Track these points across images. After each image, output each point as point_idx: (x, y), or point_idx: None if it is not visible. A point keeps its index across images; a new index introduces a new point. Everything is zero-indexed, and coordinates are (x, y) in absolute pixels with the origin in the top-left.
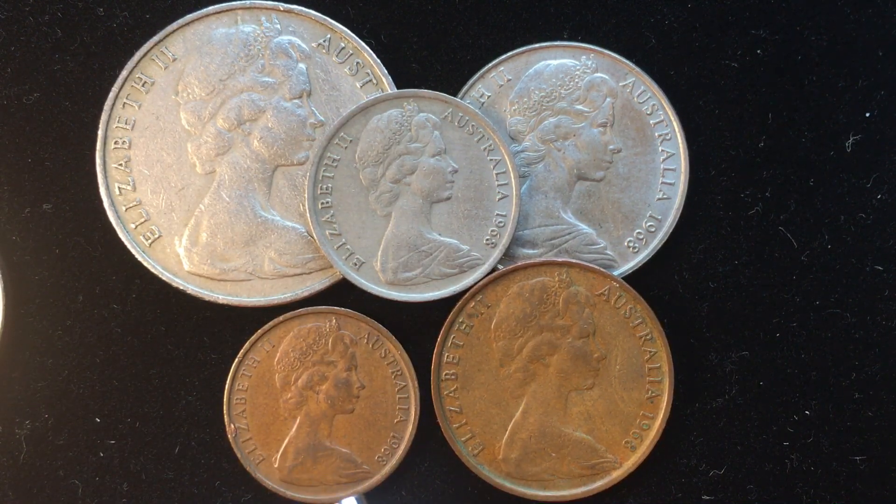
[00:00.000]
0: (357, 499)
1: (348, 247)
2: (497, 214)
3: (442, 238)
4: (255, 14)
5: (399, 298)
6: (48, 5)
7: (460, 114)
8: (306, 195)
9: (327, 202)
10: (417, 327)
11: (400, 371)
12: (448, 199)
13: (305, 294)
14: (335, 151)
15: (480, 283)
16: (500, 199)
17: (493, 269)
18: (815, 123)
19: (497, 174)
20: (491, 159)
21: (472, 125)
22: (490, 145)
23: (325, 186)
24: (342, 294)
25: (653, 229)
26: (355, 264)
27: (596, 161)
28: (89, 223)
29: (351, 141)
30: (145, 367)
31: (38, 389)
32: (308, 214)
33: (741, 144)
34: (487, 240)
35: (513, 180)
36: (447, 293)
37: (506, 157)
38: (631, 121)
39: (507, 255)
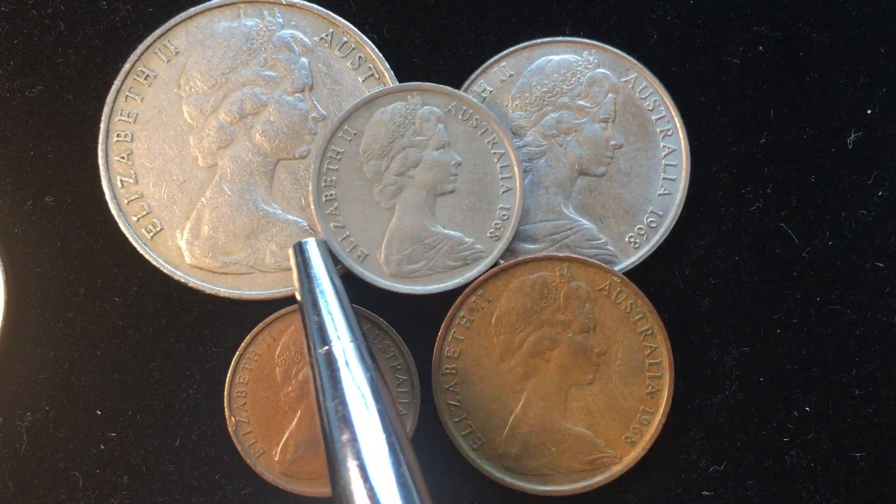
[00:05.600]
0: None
1: (352, 239)
2: (501, 207)
3: (446, 231)
4: (257, 8)
5: (403, 291)
6: None
7: (464, 107)
8: (310, 187)
9: (331, 194)
10: (418, 322)
11: (400, 365)
12: (452, 192)
13: None
14: (339, 144)
15: (481, 277)
16: (503, 193)
17: (497, 262)
18: (817, 120)
19: (501, 167)
20: (494, 152)
21: (476, 118)
22: (494, 139)
23: (329, 179)
24: None
25: (654, 225)
26: (359, 256)
27: (597, 156)
28: (91, 216)
29: (355, 134)
30: (146, 359)
31: (39, 381)
32: (312, 206)
33: (742, 141)
34: (491, 233)
35: (516, 173)
36: (451, 286)
37: (509, 151)
38: (632, 116)
39: (509, 250)
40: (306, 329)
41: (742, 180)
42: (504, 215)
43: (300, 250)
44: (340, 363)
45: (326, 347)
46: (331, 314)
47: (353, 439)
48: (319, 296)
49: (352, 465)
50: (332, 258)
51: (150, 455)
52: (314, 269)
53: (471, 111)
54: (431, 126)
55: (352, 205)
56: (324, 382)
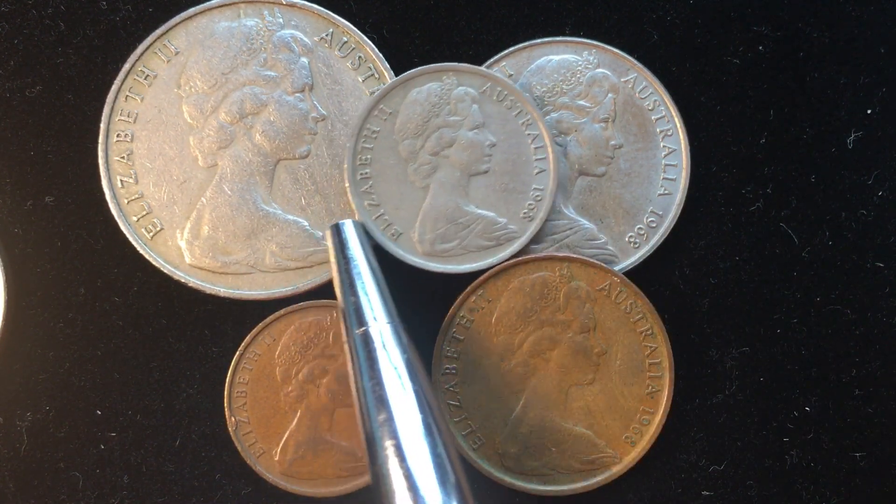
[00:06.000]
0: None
1: (386, 217)
2: (534, 188)
3: (479, 211)
4: (257, 8)
5: (436, 269)
6: None
7: (499, 88)
8: (345, 165)
9: (366, 173)
10: (418, 321)
11: None
12: (486, 172)
13: (307, 287)
14: (375, 123)
15: (481, 277)
16: (537, 173)
17: (529, 243)
18: (817, 120)
19: (535, 148)
20: (528, 133)
21: (511, 100)
22: (528, 120)
23: (364, 157)
24: None
25: (654, 225)
26: (393, 235)
27: (597, 156)
28: (91, 216)
29: (391, 113)
30: (146, 359)
31: (39, 381)
32: (347, 185)
33: (742, 140)
34: (525, 213)
35: (550, 154)
36: (483, 265)
37: (543, 132)
38: (632, 116)
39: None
40: (343, 310)
41: (742, 180)
42: (537, 196)
43: (337, 231)
44: (377, 344)
45: (364, 328)
46: (367, 295)
47: (390, 419)
48: (356, 277)
49: (388, 445)
50: (369, 239)
51: (150, 455)
52: (351, 251)
53: (505, 92)
54: (466, 106)
55: (386, 183)
56: (361, 363)
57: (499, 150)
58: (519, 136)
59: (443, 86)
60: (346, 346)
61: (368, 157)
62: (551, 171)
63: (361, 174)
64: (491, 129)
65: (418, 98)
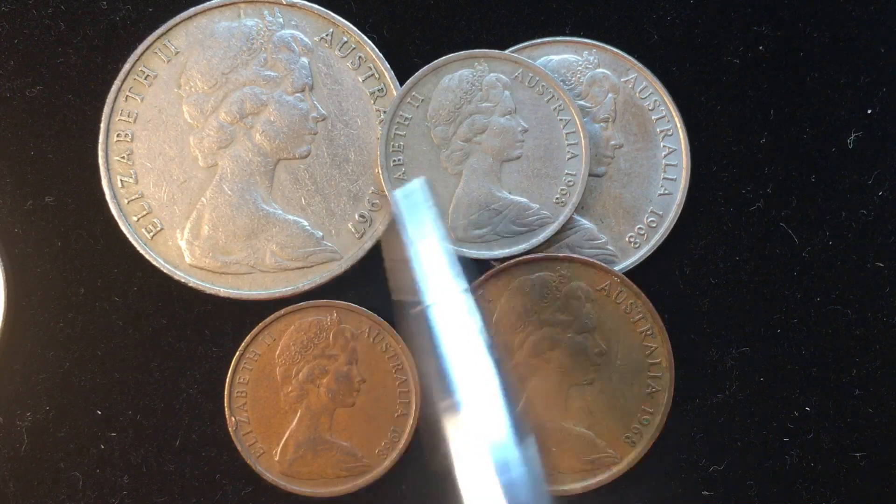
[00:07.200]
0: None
1: None
2: (566, 173)
3: (512, 196)
4: (257, 8)
5: (470, 255)
6: None
7: (530, 74)
8: (378, 152)
9: (399, 160)
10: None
11: (401, 365)
12: (518, 158)
13: (307, 287)
14: (407, 110)
15: (482, 278)
16: (569, 159)
17: (562, 229)
18: (817, 120)
19: (567, 133)
20: (560, 119)
21: (542, 85)
22: (560, 105)
23: (396, 144)
24: (343, 288)
25: (654, 225)
26: None
27: (597, 156)
28: (91, 216)
29: (422, 100)
30: (146, 359)
31: (39, 381)
32: (380, 172)
33: (743, 140)
34: (557, 198)
35: (582, 140)
36: (516, 251)
37: (575, 117)
38: (633, 116)
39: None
40: (414, 280)
41: (742, 180)
42: (570, 181)
43: (408, 194)
44: (446, 316)
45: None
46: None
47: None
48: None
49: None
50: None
51: (150, 455)
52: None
53: (537, 78)
54: (498, 93)
55: (419, 170)
56: (432, 333)
57: (531, 135)
58: (551, 122)
59: (474, 72)
60: (415, 317)
61: (401, 143)
62: (583, 157)
63: (394, 161)
64: (522, 115)
65: (450, 85)
